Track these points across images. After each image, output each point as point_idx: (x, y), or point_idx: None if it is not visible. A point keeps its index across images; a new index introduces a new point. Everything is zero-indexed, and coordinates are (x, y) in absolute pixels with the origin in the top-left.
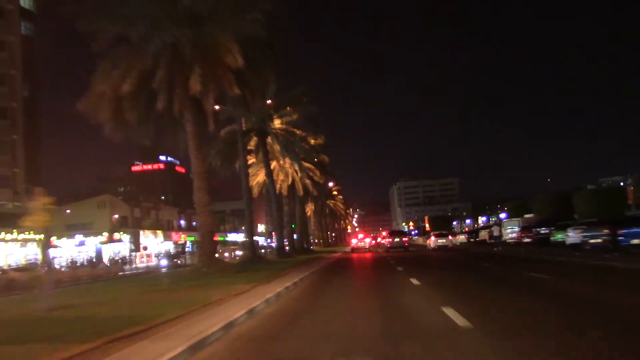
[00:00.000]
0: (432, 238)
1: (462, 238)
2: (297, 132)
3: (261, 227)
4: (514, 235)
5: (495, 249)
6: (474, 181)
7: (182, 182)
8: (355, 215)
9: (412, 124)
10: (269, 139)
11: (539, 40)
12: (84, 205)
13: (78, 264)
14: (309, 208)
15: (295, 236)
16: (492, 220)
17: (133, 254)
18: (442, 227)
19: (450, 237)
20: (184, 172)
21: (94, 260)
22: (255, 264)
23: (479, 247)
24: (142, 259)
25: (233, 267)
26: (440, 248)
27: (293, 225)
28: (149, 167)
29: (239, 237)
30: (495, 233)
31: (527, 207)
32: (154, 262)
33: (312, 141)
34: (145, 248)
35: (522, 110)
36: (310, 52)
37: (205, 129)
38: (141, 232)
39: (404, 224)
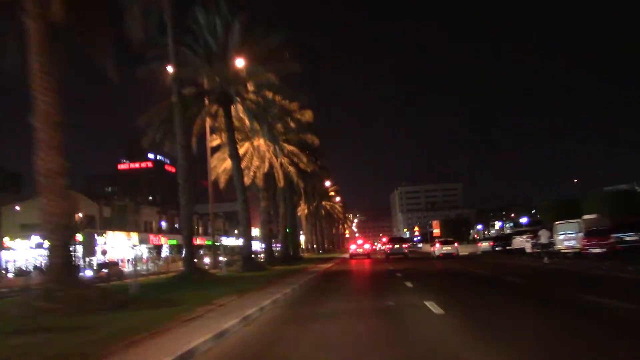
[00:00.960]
0: (437, 245)
1: (485, 246)
2: (275, 97)
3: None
4: (572, 243)
5: (546, 261)
6: (476, 187)
7: (173, 182)
8: (355, 221)
9: (414, 129)
10: (236, 108)
11: (545, 44)
12: None
13: (25, 269)
14: (301, 210)
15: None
16: (507, 227)
17: (88, 259)
18: (456, 233)
19: (456, 244)
20: (174, 172)
21: (43, 266)
22: (190, 280)
23: (510, 259)
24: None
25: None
26: (445, 256)
27: (288, 229)
28: (137, 165)
29: (231, 241)
30: (543, 240)
31: (572, 207)
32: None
33: (297, 116)
34: (104, 252)
35: (525, 116)
36: (307, 52)
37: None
38: (111, 234)
39: (405, 229)
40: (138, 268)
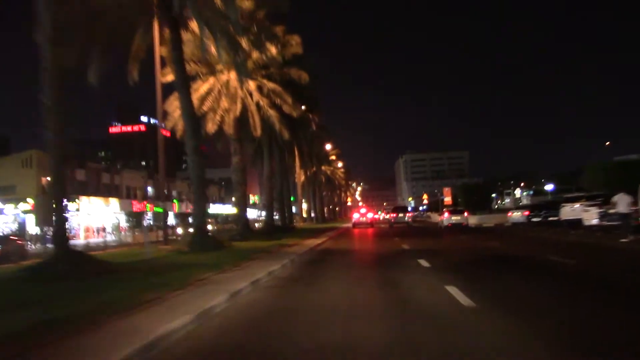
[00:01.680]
0: (445, 215)
1: (517, 215)
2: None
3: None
4: None
5: (629, 238)
6: (483, 156)
7: (167, 147)
8: (359, 189)
9: (419, 96)
10: (188, 24)
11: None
12: (5, 164)
13: None
14: (298, 175)
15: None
16: (524, 195)
17: (45, 228)
18: (473, 201)
19: (466, 213)
20: (169, 136)
21: (3, 234)
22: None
23: (560, 234)
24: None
25: None
26: (454, 226)
27: (280, 195)
28: (129, 128)
29: (226, 208)
30: (622, 208)
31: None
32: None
33: (280, 35)
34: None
35: (533, 83)
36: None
37: None
38: (85, 200)
39: (410, 198)
40: (101, 240)
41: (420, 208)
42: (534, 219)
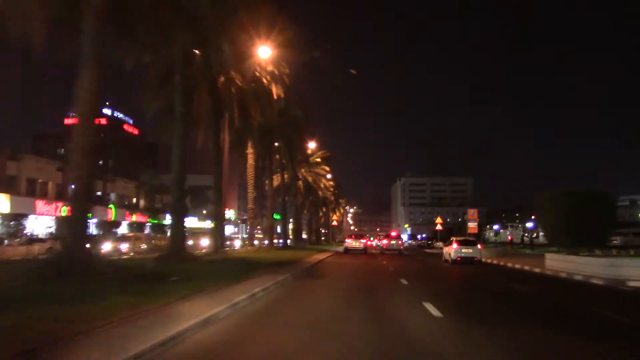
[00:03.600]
0: (454, 246)
1: None
2: None
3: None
4: None
5: None
6: (485, 186)
7: (132, 145)
8: (350, 211)
9: (420, 119)
10: None
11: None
12: None
13: None
14: (275, 179)
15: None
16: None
17: None
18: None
19: (479, 246)
20: (136, 134)
21: None
22: None
23: None
24: None
25: None
26: (463, 260)
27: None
28: None
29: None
30: None
31: None
32: None
33: None
34: None
35: (542, 114)
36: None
37: None
38: None
39: (407, 225)
40: None
41: (419, 236)
42: None
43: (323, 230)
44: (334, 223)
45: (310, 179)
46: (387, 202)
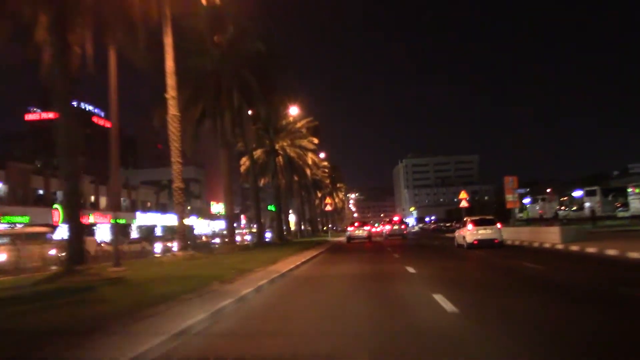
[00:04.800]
0: (469, 227)
1: None
2: None
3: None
4: None
5: None
6: (491, 163)
7: (104, 140)
8: (352, 197)
9: (422, 96)
10: None
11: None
12: None
13: None
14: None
15: None
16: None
17: None
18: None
19: (499, 225)
20: (108, 127)
21: None
22: None
23: None
24: None
25: None
26: (481, 244)
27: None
28: (51, 115)
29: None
30: None
31: None
32: None
33: None
34: None
35: (546, 85)
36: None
37: None
38: None
39: (412, 208)
40: None
41: (427, 219)
42: None
43: (321, 220)
44: (327, 208)
45: (293, 154)
46: (390, 187)
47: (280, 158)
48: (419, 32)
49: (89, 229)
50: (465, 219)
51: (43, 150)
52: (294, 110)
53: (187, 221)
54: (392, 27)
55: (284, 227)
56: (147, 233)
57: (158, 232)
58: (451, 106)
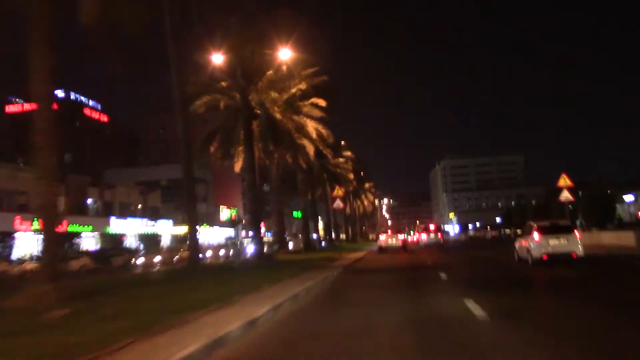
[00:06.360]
0: (535, 236)
1: None
2: None
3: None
4: None
5: None
6: (537, 164)
7: (97, 133)
8: (384, 204)
9: (459, 93)
10: None
11: None
12: None
13: None
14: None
15: None
16: None
17: None
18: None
19: (577, 233)
20: (104, 121)
21: None
22: None
23: None
24: None
25: None
26: (553, 259)
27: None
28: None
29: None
30: None
31: None
32: None
33: None
34: None
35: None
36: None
37: None
38: None
39: (451, 214)
40: None
41: (470, 225)
42: None
43: (344, 226)
44: (338, 205)
45: (280, 116)
46: (427, 191)
47: (257, 122)
48: (458, 27)
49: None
50: (529, 224)
51: (24, 146)
52: (285, 54)
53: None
54: (431, 23)
55: (285, 235)
56: (114, 243)
57: (132, 242)
58: (493, 103)
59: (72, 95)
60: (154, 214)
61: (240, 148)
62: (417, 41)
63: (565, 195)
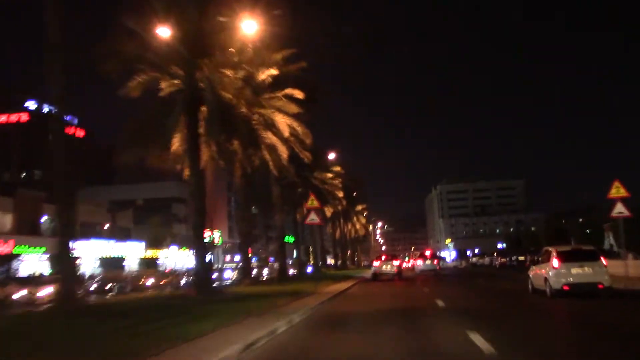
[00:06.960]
0: (555, 263)
1: None
2: None
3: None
4: None
5: None
6: (536, 189)
7: (72, 149)
8: (379, 228)
9: (452, 119)
10: None
11: None
12: None
13: None
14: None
15: None
16: None
17: None
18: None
19: (603, 260)
20: (81, 137)
21: None
22: None
23: None
24: None
25: None
26: (576, 290)
27: None
28: (4, 118)
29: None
30: None
31: None
32: None
33: None
34: None
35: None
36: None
37: None
38: None
39: (448, 240)
40: None
41: (468, 252)
42: None
43: (352, 253)
44: (312, 220)
45: (231, 97)
46: (422, 217)
47: (207, 110)
48: (455, 48)
49: None
50: (546, 250)
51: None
52: (250, 27)
53: (165, 252)
54: (428, 44)
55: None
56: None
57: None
58: (492, 127)
59: (46, 108)
60: (123, 235)
61: (184, 147)
62: (415, 62)
63: (619, 210)
